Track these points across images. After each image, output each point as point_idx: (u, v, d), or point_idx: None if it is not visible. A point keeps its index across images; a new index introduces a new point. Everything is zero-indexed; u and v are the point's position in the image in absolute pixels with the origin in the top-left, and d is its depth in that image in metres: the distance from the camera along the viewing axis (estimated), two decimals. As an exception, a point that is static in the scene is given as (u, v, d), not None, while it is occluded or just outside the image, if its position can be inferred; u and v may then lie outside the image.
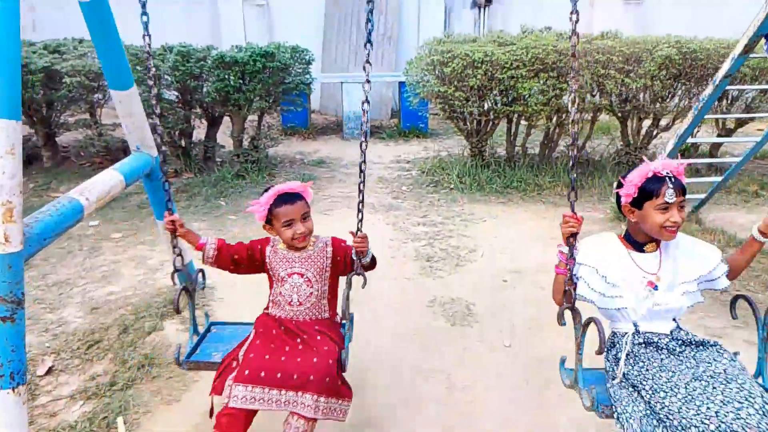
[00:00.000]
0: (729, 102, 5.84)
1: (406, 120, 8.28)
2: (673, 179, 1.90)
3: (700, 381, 1.79)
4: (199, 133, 6.56)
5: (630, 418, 1.83)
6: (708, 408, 1.69)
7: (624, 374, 1.97)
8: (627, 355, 1.97)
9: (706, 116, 3.74)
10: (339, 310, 2.31)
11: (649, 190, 1.91)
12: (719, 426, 1.63)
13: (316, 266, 2.27)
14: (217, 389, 2.11)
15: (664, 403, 1.78)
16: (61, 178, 6.14)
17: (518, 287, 3.73)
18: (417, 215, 5.15)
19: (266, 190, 2.24)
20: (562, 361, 2.17)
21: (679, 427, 1.71)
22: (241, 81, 5.79)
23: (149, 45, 2.27)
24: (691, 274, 2.00)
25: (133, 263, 4.19)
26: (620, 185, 2.01)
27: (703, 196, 4.71)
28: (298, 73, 6.45)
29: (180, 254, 2.38)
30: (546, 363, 2.96)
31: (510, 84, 5.50)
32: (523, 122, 6.21)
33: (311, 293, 2.26)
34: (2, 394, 1.77)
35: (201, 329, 2.57)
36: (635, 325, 2.00)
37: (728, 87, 3.43)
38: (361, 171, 2.13)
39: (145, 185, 3.15)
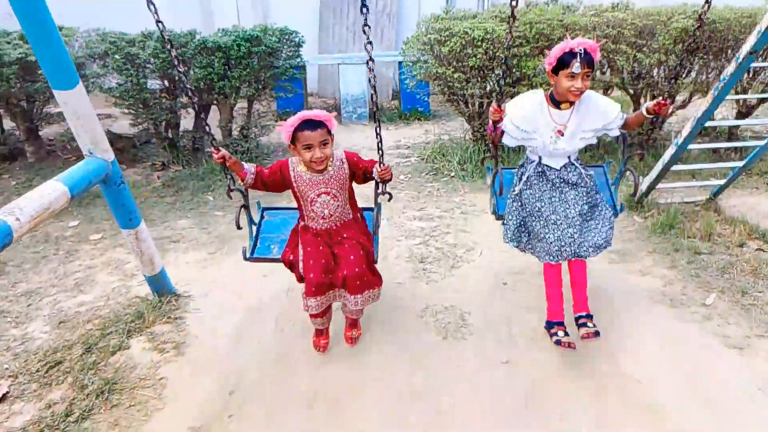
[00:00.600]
0: (751, 76, 5.39)
1: (406, 102, 7.89)
2: (583, 54, 2.42)
3: (557, 215, 2.69)
4: (187, 123, 6.26)
5: (509, 229, 2.89)
6: (549, 236, 2.68)
7: (520, 191, 2.83)
8: (528, 178, 2.80)
9: (726, 97, 3.35)
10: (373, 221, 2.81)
11: (562, 61, 2.49)
12: (548, 249, 2.68)
13: (338, 183, 2.64)
14: (298, 279, 2.75)
15: (531, 224, 2.78)
16: (44, 173, 5.88)
17: (520, 290, 3.41)
18: (414, 208, 4.82)
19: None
20: (488, 167, 3.18)
21: (531, 240, 2.81)
22: (226, 67, 5.46)
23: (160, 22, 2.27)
24: (593, 125, 2.66)
25: (109, 268, 3.93)
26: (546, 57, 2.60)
27: (722, 181, 4.33)
28: (288, 57, 6.09)
29: (232, 177, 2.65)
30: (548, 382, 2.68)
31: (513, 63, 5.11)
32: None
33: (338, 205, 2.68)
34: None
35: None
36: (540, 157, 2.77)
37: (755, 64, 3.04)
38: (376, 108, 2.43)
39: (104, 192, 2.86)
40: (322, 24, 8.94)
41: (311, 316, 2.74)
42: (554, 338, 2.72)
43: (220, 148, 2.56)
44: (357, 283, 2.62)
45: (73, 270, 3.95)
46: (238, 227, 2.76)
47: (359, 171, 2.66)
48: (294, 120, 2.46)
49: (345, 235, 2.71)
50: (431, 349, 2.90)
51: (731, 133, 5.92)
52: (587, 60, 2.44)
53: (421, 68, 5.52)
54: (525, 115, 2.65)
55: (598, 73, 5.46)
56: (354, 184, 2.77)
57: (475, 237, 4.15)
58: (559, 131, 2.64)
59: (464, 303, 3.26)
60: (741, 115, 5.76)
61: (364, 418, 2.50)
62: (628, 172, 3.01)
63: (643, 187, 4.30)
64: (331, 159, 2.60)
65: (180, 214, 4.91)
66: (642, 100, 5.94)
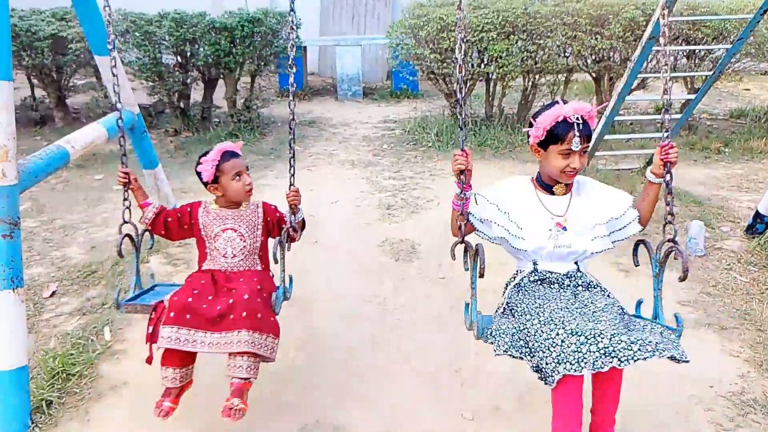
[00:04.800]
0: (695, 62, 6.09)
1: (397, 81, 8.62)
2: (581, 126, 1.95)
3: (568, 311, 1.84)
4: (197, 95, 7.03)
5: (502, 335, 1.92)
6: (557, 335, 1.72)
7: (507, 303, 2.08)
8: (517, 285, 2.08)
9: (641, 75, 4.07)
10: (275, 276, 2.45)
11: (555, 135, 1.97)
12: (559, 355, 1.69)
13: (247, 223, 2.44)
14: (153, 337, 2.19)
15: (527, 325, 1.86)
16: (71, 137, 6.68)
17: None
18: (391, 171, 5.58)
19: (204, 155, 2.39)
20: (467, 305, 2.12)
21: (532, 350, 1.81)
22: (231, 45, 6.21)
23: None
24: (602, 216, 2.05)
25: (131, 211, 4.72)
26: (531, 125, 2.03)
27: (652, 151, 5.05)
28: (287, 37, 6.82)
29: (129, 207, 2.57)
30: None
31: (483, 46, 5.82)
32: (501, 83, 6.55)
33: (244, 246, 2.41)
34: (5, 293, 2.30)
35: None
36: (534, 263, 2.09)
37: (655, 48, 3.74)
38: (290, 129, 2.37)
39: (130, 138, 3.64)
40: (323, 8, 9.65)
41: (162, 360, 2.18)
42: None
43: (127, 167, 2.53)
44: (243, 315, 2.09)
45: (101, 211, 4.76)
46: (120, 255, 2.46)
47: (273, 219, 2.46)
48: (215, 154, 2.35)
49: (243, 279, 2.32)
50: (384, 268, 3.68)
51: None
52: (586, 133, 1.96)
53: (403, 49, 6.25)
54: (511, 199, 2.10)
55: (559, 57, 6.15)
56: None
57: (437, 192, 4.91)
58: (559, 224, 2.05)
59: (417, 237, 4.04)
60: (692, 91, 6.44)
61: (323, 312, 3.27)
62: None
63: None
64: (246, 202, 2.47)
65: (189, 172, 5.63)
66: (602, 81, 6.65)
